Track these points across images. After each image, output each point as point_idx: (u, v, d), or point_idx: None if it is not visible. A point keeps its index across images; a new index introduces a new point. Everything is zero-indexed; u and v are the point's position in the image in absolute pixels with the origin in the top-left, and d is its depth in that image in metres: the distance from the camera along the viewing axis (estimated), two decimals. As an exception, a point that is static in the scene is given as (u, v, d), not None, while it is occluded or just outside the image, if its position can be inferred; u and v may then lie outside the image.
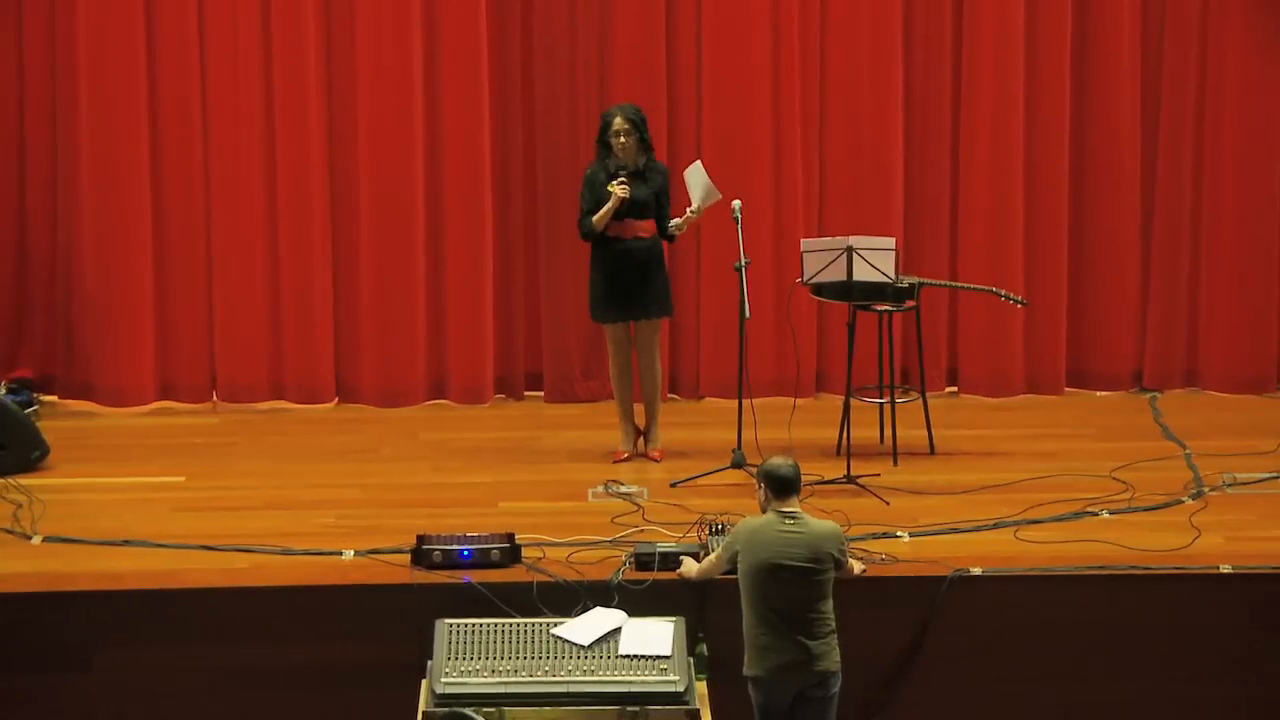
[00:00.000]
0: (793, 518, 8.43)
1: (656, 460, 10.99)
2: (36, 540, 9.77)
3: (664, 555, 9.26)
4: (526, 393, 12.42)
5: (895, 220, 12.15)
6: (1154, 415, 11.92)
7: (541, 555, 9.42)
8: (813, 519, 8.52)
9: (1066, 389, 12.46)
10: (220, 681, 9.22)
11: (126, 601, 9.19)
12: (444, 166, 12.11)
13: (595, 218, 10.73)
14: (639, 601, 9.01)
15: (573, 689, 8.45)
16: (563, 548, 9.52)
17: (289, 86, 11.97)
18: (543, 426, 11.83)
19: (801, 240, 11.10)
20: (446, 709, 8.32)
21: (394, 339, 12.15)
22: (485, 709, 8.32)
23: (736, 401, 10.74)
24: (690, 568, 9.12)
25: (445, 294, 12.19)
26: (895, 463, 10.93)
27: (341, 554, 9.53)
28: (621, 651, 8.60)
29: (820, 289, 10.97)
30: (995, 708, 9.39)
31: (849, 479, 10.47)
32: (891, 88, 12.16)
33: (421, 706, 8.46)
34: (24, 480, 10.60)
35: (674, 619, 8.76)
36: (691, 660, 8.68)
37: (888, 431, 11.11)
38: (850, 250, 10.67)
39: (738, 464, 10.59)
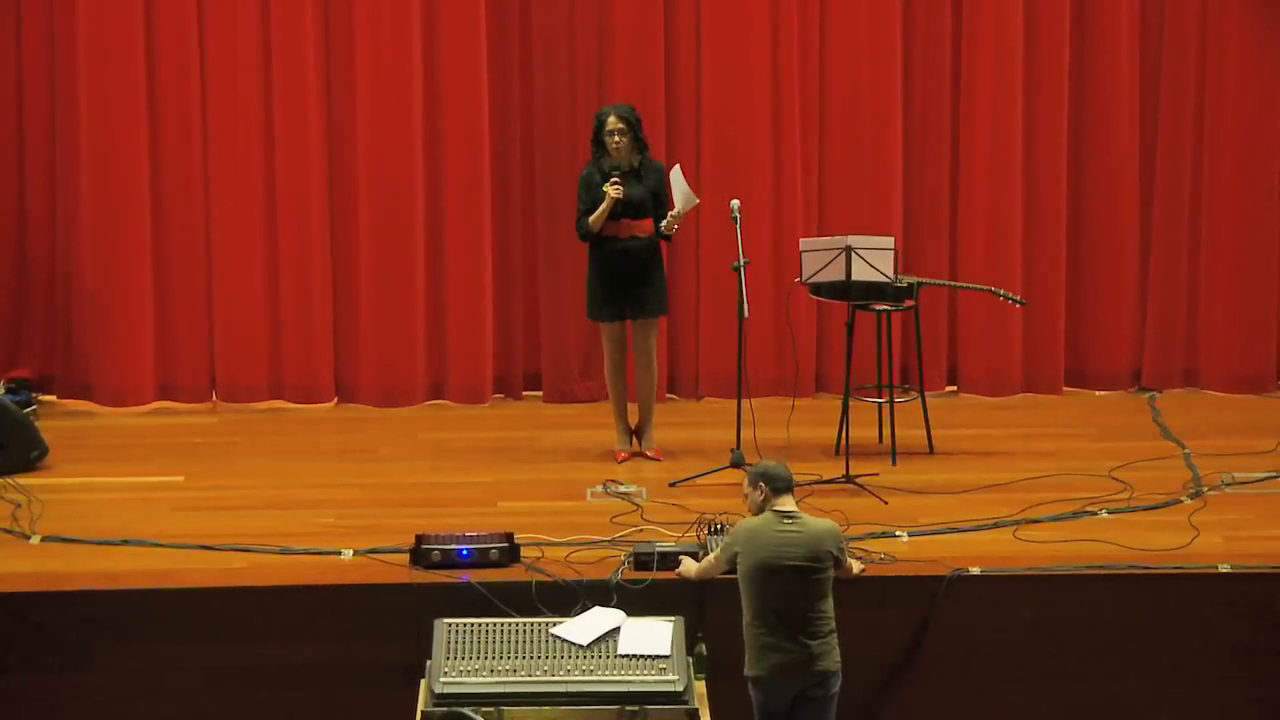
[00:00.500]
0: (791, 517, 8.43)
1: (657, 460, 11.00)
2: (35, 540, 9.77)
3: (663, 555, 9.25)
4: (525, 392, 12.42)
5: (895, 220, 12.16)
6: (1153, 415, 11.92)
7: (540, 555, 9.43)
8: (811, 518, 8.52)
9: (1065, 388, 12.46)
10: (219, 681, 9.21)
11: (125, 601, 9.19)
12: (443, 165, 12.11)
13: (591, 218, 10.74)
14: (638, 601, 9.01)
15: (571, 689, 8.44)
16: (561, 547, 9.52)
17: (288, 86, 11.97)
18: (541, 426, 11.83)
19: (800, 240, 11.11)
20: (445, 709, 8.32)
21: (393, 339, 12.16)
22: (484, 709, 8.32)
23: (735, 401, 10.74)
24: (689, 567, 9.12)
25: (444, 294, 12.19)
26: (894, 462, 10.93)
27: (340, 554, 9.53)
28: (620, 651, 8.59)
29: (819, 289, 10.97)
30: (995, 707, 9.39)
31: (848, 478, 10.47)
32: (891, 87, 12.16)
33: (420, 706, 8.45)
34: (23, 480, 10.59)
35: (673, 619, 8.75)
36: (690, 660, 8.67)
37: (886, 431, 11.11)
38: (849, 250, 10.67)
39: (736, 464, 10.58)
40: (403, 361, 12.18)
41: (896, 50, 12.15)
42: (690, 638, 8.79)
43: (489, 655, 8.55)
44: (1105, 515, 10.09)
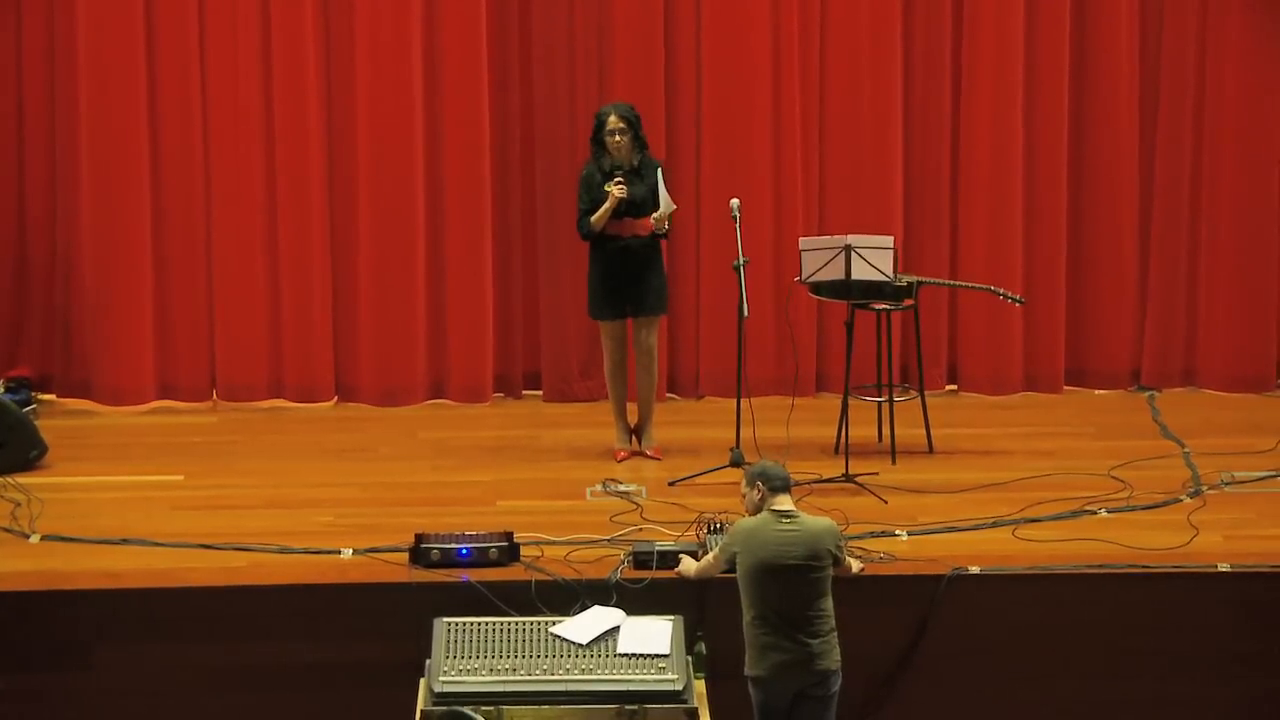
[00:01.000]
0: (789, 516, 8.43)
1: (657, 459, 11.00)
2: (35, 539, 9.77)
3: (662, 554, 9.26)
4: (525, 392, 12.42)
5: (895, 219, 12.16)
6: (1152, 414, 11.92)
7: (540, 554, 9.43)
8: (809, 517, 8.53)
9: (1065, 387, 12.46)
10: (218, 680, 9.22)
11: (125, 600, 9.20)
12: (443, 165, 12.11)
13: (594, 218, 10.74)
14: (637, 600, 9.01)
15: (571, 688, 8.45)
16: (561, 546, 9.52)
17: (288, 86, 11.97)
18: (541, 425, 11.84)
19: (800, 239, 11.11)
20: (445, 708, 8.32)
21: (393, 338, 12.16)
22: (484, 708, 8.32)
23: (735, 400, 10.74)
24: (688, 567, 9.12)
25: (444, 293, 12.19)
26: (894, 461, 10.93)
27: (340, 553, 9.54)
28: (620, 650, 8.60)
29: (818, 288, 10.97)
30: (994, 706, 9.39)
31: (847, 477, 10.47)
32: (891, 87, 12.16)
33: (420, 705, 8.46)
34: (22, 479, 10.59)
35: (672, 618, 8.76)
36: (690, 659, 8.67)
37: (886, 430, 11.12)
38: (848, 249, 10.68)
39: (736, 463, 10.58)
40: (403, 361, 12.18)
41: (897, 50, 12.15)
42: (690, 637, 8.79)
43: (488, 654, 8.55)
44: (1105, 514, 10.09)
